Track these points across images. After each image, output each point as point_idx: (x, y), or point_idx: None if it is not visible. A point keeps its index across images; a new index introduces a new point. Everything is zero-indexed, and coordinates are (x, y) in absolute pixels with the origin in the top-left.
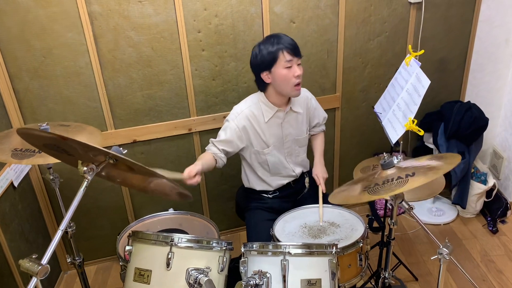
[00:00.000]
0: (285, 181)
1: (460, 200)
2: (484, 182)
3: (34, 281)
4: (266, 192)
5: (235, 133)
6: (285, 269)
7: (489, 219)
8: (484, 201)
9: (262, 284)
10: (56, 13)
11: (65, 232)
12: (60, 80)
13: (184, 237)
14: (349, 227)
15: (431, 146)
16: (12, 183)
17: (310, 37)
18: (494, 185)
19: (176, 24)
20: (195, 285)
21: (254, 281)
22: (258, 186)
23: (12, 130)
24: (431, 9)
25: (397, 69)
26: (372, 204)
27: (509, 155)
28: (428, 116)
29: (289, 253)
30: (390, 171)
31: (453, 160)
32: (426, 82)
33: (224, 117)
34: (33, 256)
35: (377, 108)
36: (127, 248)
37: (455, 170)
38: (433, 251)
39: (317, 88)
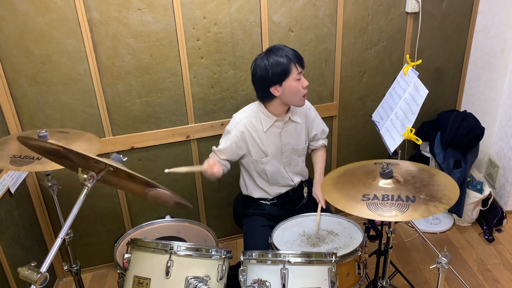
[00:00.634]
0: (283, 190)
1: (456, 209)
2: (480, 191)
3: None
4: (265, 199)
5: (234, 142)
6: (285, 278)
7: (485, 227)
8: (480, 209)
9: None
10: (55, 19)
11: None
12: (59, 87)
13: (183, 245)
14: (347, 235)
15: (428, 154)
16: (8, 190)
17: (308, 45)
18: (490, 194)
19: (176, 32)
20: None
21: None
22: (257, 193)
23: (10, 137)
24: (427, 19)
25: (394, 79)
26: None
27: (504, 164)
28: (425, 125)
29: (288, 261)
30: (388, 183)
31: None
32: (424, 91)
33: (222, 124)
34: (32, 264)
35: (375, 116)
36: (126, 256)
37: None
38: (430, 259)
39: (314, 96)
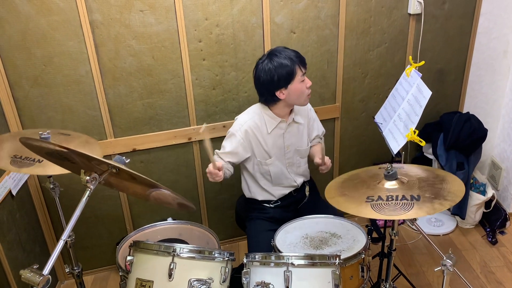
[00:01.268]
0: (287, 190)
1: (460, 211)
2: (483, 193)
3: None
4: (268, 202)
5: (240, 144)
6: (288, 280)
7: (488, 230)
8: (483, 212)
9: None
10: (57, 21)
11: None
12: (60, 88)
13: (186, 247)
14: (350, 238)
15: (430, 156)
16: (10, 192)
17: (310, 47)
18: (493, 196)
19: (177, 33)
20: None
21: None
22: (260, 196)
23: (11, 135)
24: (430, 20)
25: (397, 80)
26: None
27: (507, 166)
28: (428, 127)
29: (292, 264)
30: (393, 185)
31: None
32: (427, 93)
33: (224, 126)
34: (34, 267)
35: (378, 118)
36: (128, 258)
37: None
38: (433, 261)
39: (317, 98)
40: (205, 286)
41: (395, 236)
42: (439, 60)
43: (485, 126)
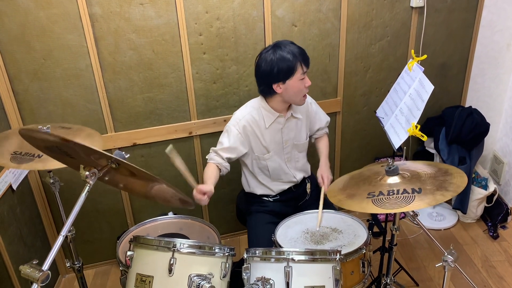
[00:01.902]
0: (286, 186)
1: (461, 205)
2: (485, 187)
3: (34, 287)
4: (267, 196)
5: (238, 139)
6: (289, 276)
7: (489, 224)
8: (485, 206)
9: None
10: (56, 14)
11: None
12: (60, 82)
13: (186, 242)
14: (351, 233)
15: (432, 151)
16: (10, 186)
17: (311, 40)
18: (495, 190)
19: (178, 27)
20: None
21: None
22: (259, 190)
23: (11, 132)
24: (432, 14)
25: (399, 74)
26: None
27: (509, 160)
28: (429, 121)
29: (292, 259)
30: (394, 180)
31: (460, 182)
32: (429, 87)
33: (225, 120)
34: (34, 262)
35: (379, 112)
36: (129, 253)
37: None
38: (434, 256)
39: (318, 92)
40: (205, 282)
41: (396, 230)
42: (442, 54)
43: (488, 120)
